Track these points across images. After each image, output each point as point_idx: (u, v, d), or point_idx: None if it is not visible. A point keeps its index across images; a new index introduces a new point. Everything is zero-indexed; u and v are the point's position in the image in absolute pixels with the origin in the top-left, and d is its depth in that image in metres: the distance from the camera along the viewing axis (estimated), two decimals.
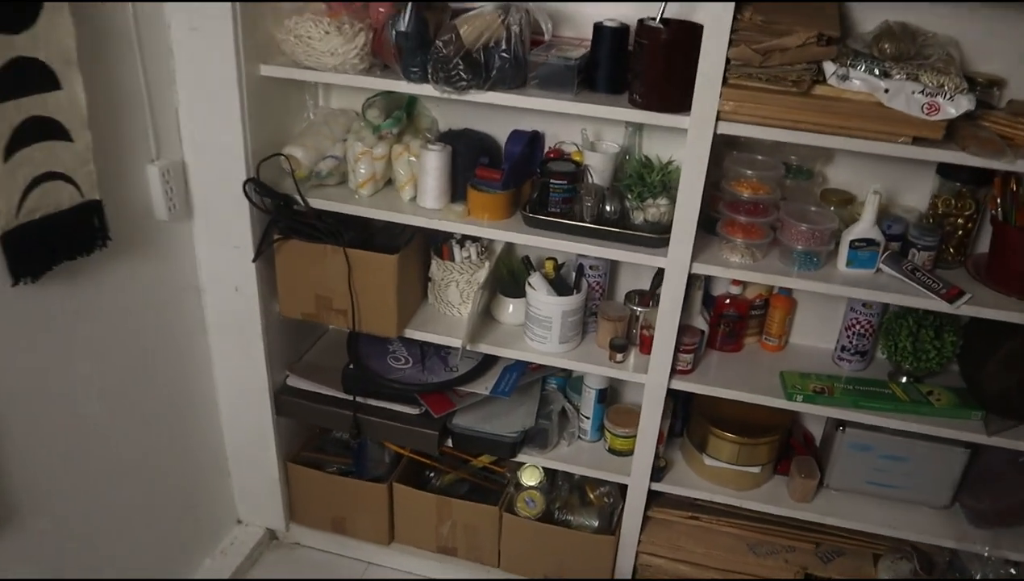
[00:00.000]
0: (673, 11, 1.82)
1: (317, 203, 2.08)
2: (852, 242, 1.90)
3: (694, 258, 1.91)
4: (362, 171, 2.08)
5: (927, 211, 2.00)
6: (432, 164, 2.02)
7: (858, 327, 2.10)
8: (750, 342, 2.23)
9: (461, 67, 1.82)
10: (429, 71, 1.84)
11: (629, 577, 2.33)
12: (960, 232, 1.97)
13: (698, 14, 1.87)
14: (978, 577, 2.14)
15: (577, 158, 2.07)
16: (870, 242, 1.90)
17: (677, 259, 1.91)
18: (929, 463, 2.11)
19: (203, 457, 2.33)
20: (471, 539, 2.36)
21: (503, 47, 1.83)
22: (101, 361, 1.90)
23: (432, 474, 2.46)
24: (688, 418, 2.30)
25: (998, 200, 1.88)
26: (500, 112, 2.10)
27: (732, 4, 1.66)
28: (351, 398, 2.23)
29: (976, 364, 2.02)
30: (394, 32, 1.86)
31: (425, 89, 1.88)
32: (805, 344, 2.24)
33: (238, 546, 2.43)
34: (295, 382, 2.31)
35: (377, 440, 2.36)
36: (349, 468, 2.43)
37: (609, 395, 2.29)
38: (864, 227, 1.90)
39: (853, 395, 2.02)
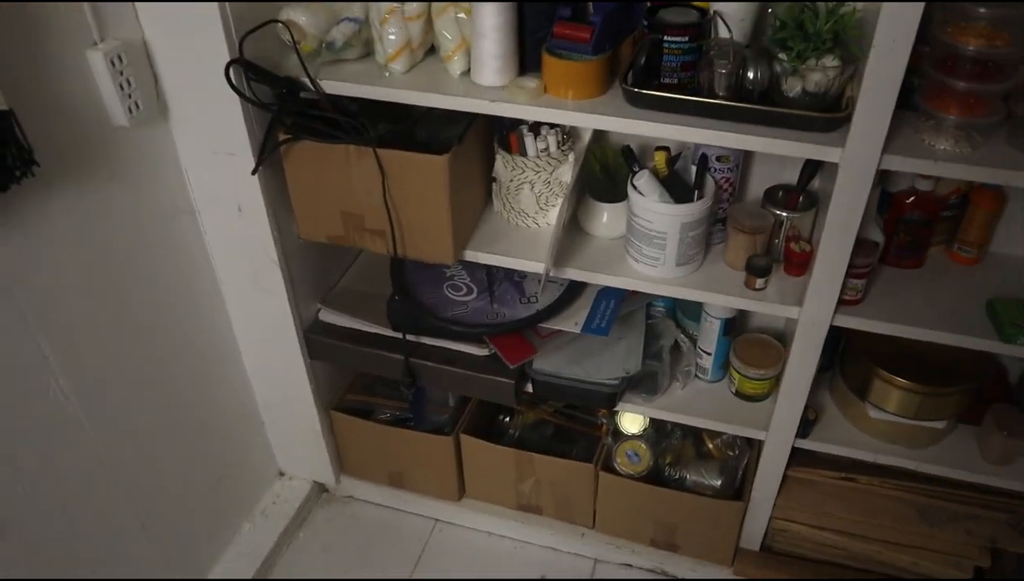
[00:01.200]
0: None
1: (333, 87, 1.38)
2: None
3: (885, 148, 1.21)
4: (392, 37, 1.37)
5: None
6: (490, 21, 1.30)
7: None
8: (935, 251, 1.51)
9: None
10: None
11: (758, 547, 1.77)
12: None
13: None
14: None
15: (700, 2, 1.35)
16: None
17: (859, 151, 1.19)
18: None
19: (227, 409, 1.75)
20: (559, 498, 1.79)
21: None
22: (65, 318, 1.31)
23: (507, 418, 1.87)
24: (840, 350, 1.63)
25: None
26: None
27: None
28: (400, 336, 1.65)
29: None
30: None
31: None
32: (1009, 253, 1.51)
33: (281, 505, 1.89)
34: (329, 317, 1.69)
35: (437, 388, 1.78)
36: (405, 415, 1.84)
37: (736, 323, 1.61)
38: None
39: None
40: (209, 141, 1.45)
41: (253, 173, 1.43)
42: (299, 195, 1.49)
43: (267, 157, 1.43)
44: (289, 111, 1.40)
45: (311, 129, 1.40)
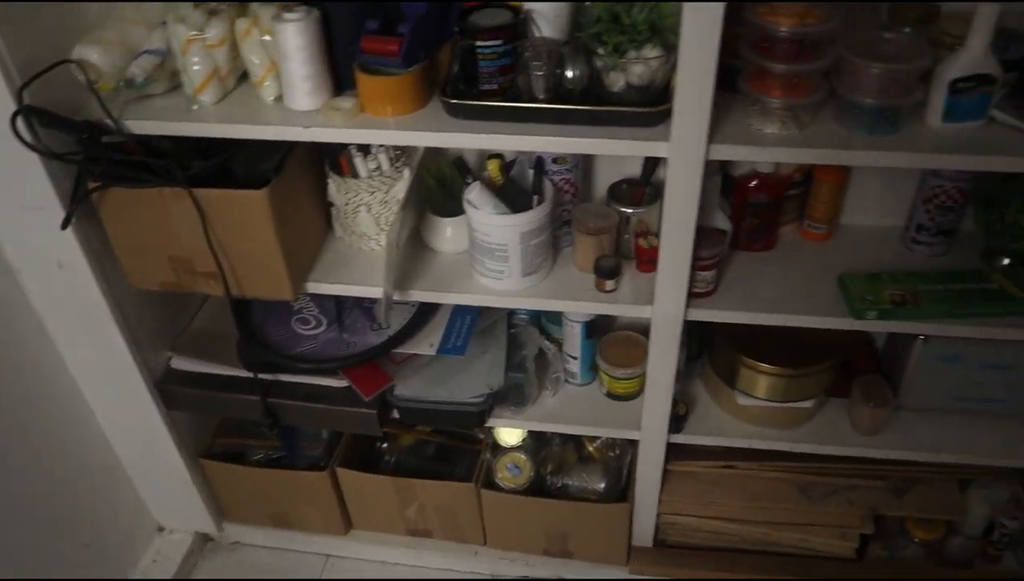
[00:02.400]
0: None
1: (139, 126, 1.23)
2: (954, 83, 1.10)
3: (712, 137, 1.13)
4: (196, 68, 1.22)
5: None
6: (294, 42, 1.16)
7: (942, 198, 1.32)
8: (786, 230, 1.44)
9: None
10: None
11: (651, 543, 1.69)
12: None
13: None
14: None
15: (513, 2, 1.24)
16: (982, 80, 1.10)
17: (685, 143, 1.10)
18: None
19: (87, 471, 1.58)
20: (446, 519, 1.67)
21: None
22: None
23: (384, 444, 1.74)
24: (708, 338, 1.56)
25: None
26: None
27: None
28: (254, 376, 1.50)
29: None
30: None
31: None
32: (861, 224, 1.45)
33: (163, 562, 1.72)
34: (181, 364, 1.54)
35: (300, 425, 1.64)
36: (279, 453, 1.70)
37: (600, 324, 1.51)
38: (973, 57, 1.08)
39: (946, 300, 1.27)
40: (14, 196, 1.28)
41: (63, 228, 1.27)
42: (121, 244, 1.34)
43: (75, 210, 1.27)
44: (93, 158, 1.25)
45: (119, 175, 1.25)
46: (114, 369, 1.49)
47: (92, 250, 1.34)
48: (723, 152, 1.12)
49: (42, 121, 1.20)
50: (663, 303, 1.28)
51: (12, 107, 1.17)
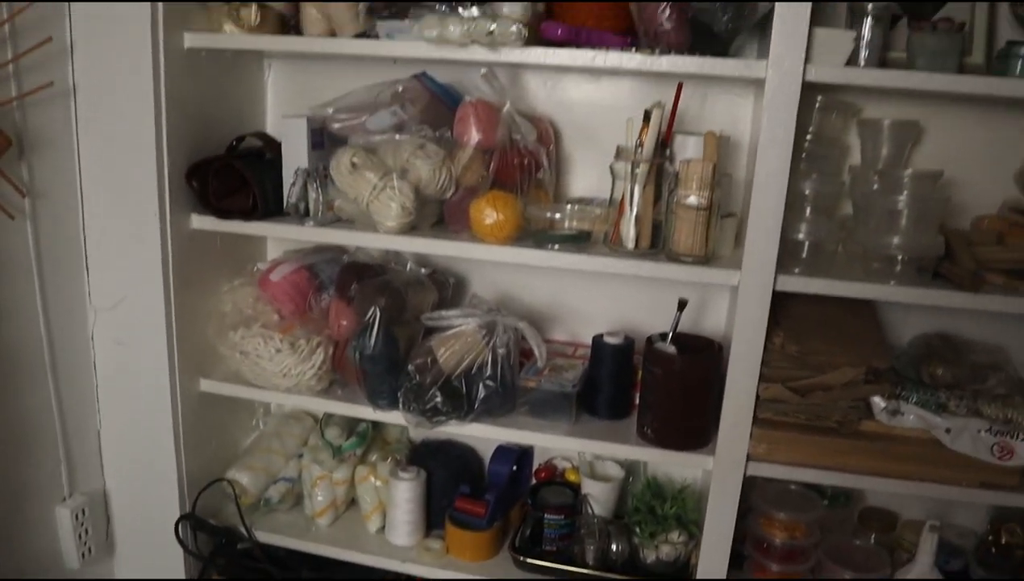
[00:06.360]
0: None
1: (265, 537, 1.58)
2: None
3: None
4: (320, 498, 1.60)
5: (986, 536, 1.55)
6: (403, 496, 1.54)
7: None
8: None
9: (439, 399, 1.39)
10: (400, 399, 1.41)
11: None
12: None
13: (707, 321, 1.50)
14: None
15: (573, 478, 1.62)
16: None
17: None
18: None
19: None
20: None
21: (488, 373, 1.41)
22: None
23: None
24: None
25: None
26: None
27: (762, 333, 1.28)
28: None
29: None
30: (358, 354, 1.44)
31: (394, 417, 1.44)
32: None
33: None
34: None
35: None
36: None
37: None
38: (921, 570, 1.45)
39: None
40: (150, 574, 1.60)
41: None
42: None
43: None
44: (224, 558, 1.56)
45: (243, 576, 1.56)
46: None
47: None
48: None
49: (195, 526, 1.54)
50: None
51: (176, 508, 1.53)
